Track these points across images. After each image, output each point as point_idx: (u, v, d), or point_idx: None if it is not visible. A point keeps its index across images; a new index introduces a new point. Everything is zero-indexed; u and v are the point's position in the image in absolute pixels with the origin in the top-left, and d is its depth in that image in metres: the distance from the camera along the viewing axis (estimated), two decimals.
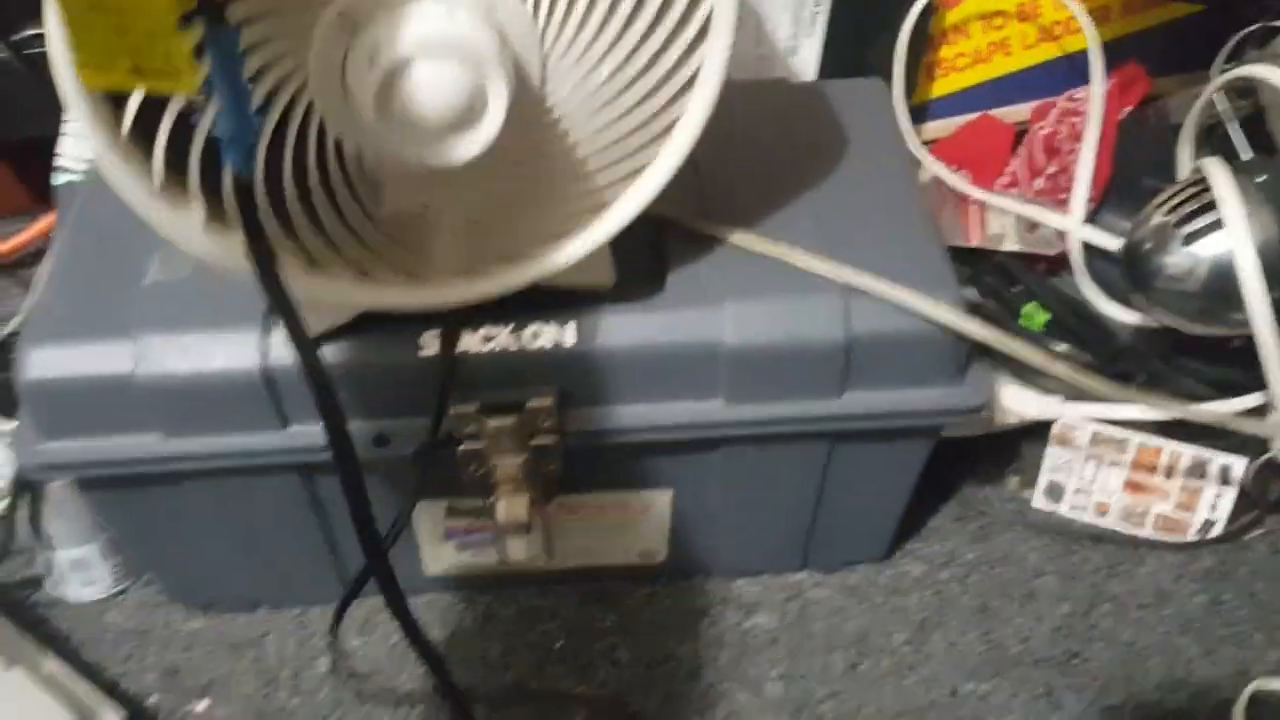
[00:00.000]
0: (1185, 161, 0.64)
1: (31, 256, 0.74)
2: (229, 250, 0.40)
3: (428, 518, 0.55)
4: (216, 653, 0.58)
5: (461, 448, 0.49)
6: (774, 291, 0.47)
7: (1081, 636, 0.57)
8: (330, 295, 0.43)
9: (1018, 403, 0.59)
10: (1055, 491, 0.61)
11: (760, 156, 0.54)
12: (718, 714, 0.55)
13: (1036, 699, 0.55)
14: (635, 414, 0.49)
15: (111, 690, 0.55)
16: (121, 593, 0.60)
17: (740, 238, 0.49)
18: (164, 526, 0.54)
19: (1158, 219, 0.53)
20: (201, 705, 0.56)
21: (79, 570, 0.58)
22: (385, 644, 0.58)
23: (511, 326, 0.47)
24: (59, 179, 0.67)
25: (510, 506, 0.50)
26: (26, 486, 0.55)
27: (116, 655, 0.58)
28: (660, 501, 0.55)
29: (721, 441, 0.51)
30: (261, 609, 0.60)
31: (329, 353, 0.46)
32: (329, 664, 0.57)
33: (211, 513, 0.52)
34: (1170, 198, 0.54)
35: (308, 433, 0.48)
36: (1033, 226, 0.69)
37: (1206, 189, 0.52)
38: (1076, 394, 0.61)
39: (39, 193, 0.75)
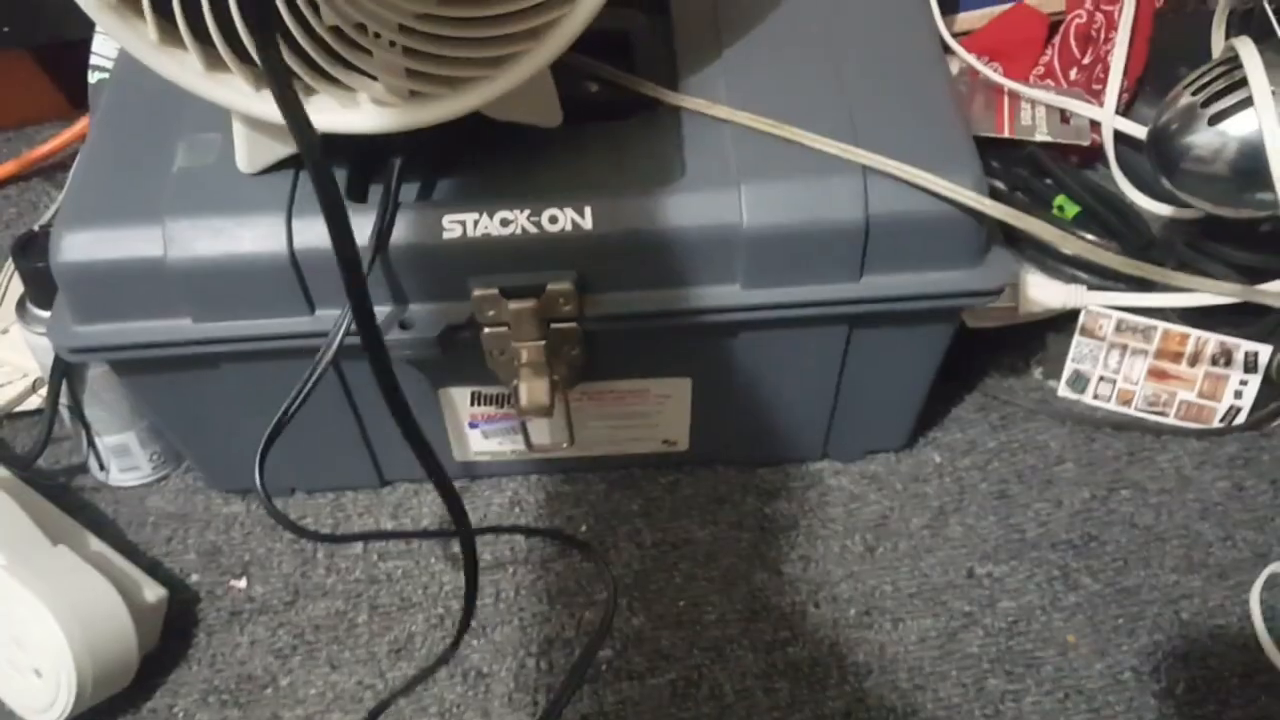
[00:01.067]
0: (1219, 45, 0.63)
1: (69, 159, 0.75)
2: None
3: (454, 405, 0.56)
4: (254, 534, 0.60)
5: (485, 332, 0.50)
6: (792, 173, 0.47)
7: (1100, 521, 0.58)
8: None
9: (1042, 293, 0.59)
10: (1079, 381, 0.61)
11: (786, 40, 0.53)
12: (737, 592, 0.57)
13: (1052, 580, 0.56)
14: (653, 298, 0.49)
15: (153, 570, 0.57)
16: (162, 479, 0.63)
17: (759, 121, 0.49)
18: (198, 411, 0.55)
19: (1185, 100, 0.52)
20: (240, 583, 0.58)
21: (119, 457, 0.61)
22: (416, 528, 0.60)
23: (528, 211, 0.47)
24: (94, 77, 0.68)
25: (531, 390, 0.51)
26: (66, 374, 0.56)
27: (158, 538, 0.60)
28: (680, 390, 0.56)
29: (740, 327, 0.52)
30: (298, 494, 0.62)
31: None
32: (362, 545, 0.60)
33: (244, 397, 0.54)
34: (1198, 78, 0.53)
35: (334, 317, 0.49)
36: (1065, 118, 0.68)
37: (1236, 68, 0.51)
38: (1101, 284, 0.61)
39: (75, 97, 0.76)
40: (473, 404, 0.56)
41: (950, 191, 0.46)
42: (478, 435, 0.59)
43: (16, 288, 0.57)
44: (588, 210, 0.47)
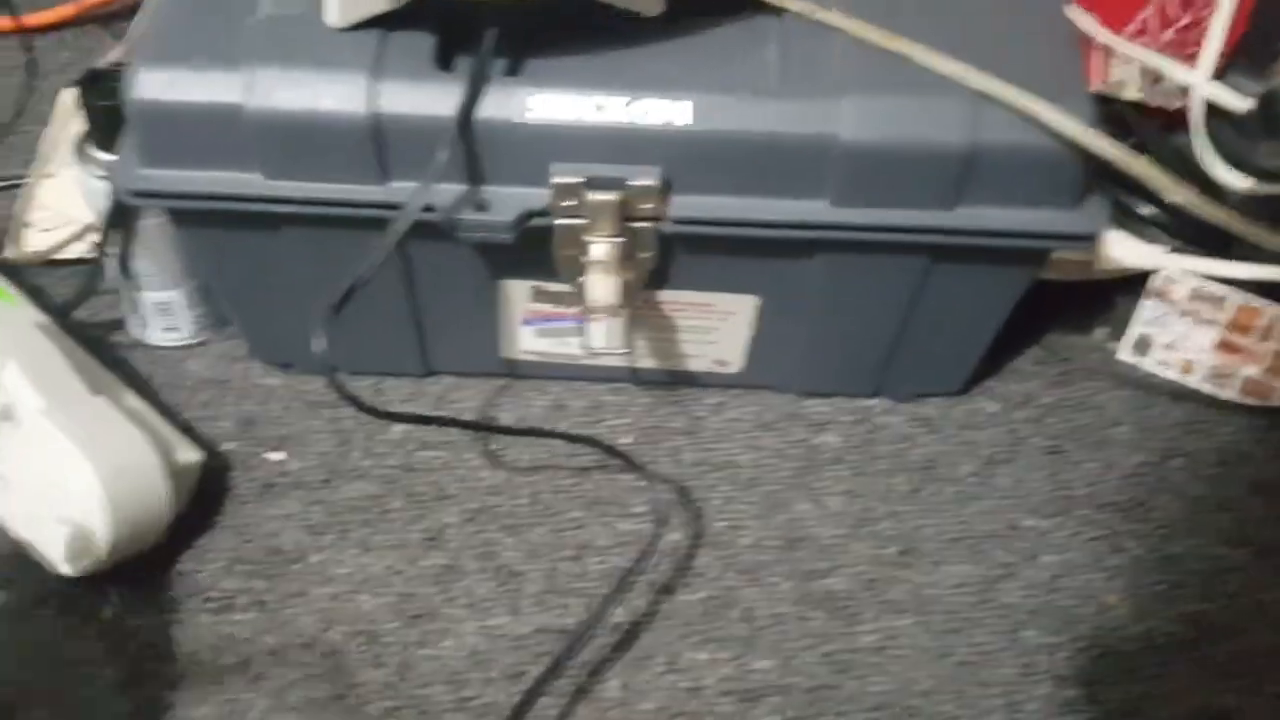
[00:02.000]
0: None
1: (125, 9, 0.73)
2: None
3: (512, 298, 0.55)
4: (293, 409, 0.59)
5: (559, 222, 0.49)
6: (899, 89, 0.46)
7: (1151, 486, 0.57)
8: None
9: (1122, 250, 0.57)
10: (1143, 345, 0.60)
11: None
12: (776, 518, 0.56)
13: (1097, 540, 0.56)
14: (737, 206, 0.48)
15: (187, 433, 0.56)
16: (202, 344, 0.61)
17: (869, 30, 0.47)
18: (253, 274, 0.54)
19: None
20: (276, 455, 0.57)
21: (162, 315, 0.59)
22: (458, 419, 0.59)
23: (625, 99, 0.46)
24: None
25: (600, 287, 0.49)
26: (120, 222, 0.55)
27: (194, 401, 0.59)
28: (744, 308, 0.55)
29: (820, 246, 0.50)
30: (340, 374, 0.60)
31: (436, 104, 0.45)
32: (402, 432, 0.58)
33: (303, 266, 0.52)
34: None
35: (408, 190, 0.47)
36: (1157, 78, 0.66)
37: None
38: (1180, 248, 0.59)
39: None
40: (531, 299, 0.55)
41: (1062, 125, 0.44)
42: (530, 333, 0.57)
43: (67, 132, 0.55)
44: (686, 105, 0.45)
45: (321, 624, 0.52)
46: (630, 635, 0.52)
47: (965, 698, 0.51)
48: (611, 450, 0.56)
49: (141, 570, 0.53)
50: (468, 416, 0.59)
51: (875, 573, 0.55)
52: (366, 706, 0.49)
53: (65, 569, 0.50)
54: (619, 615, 0.53)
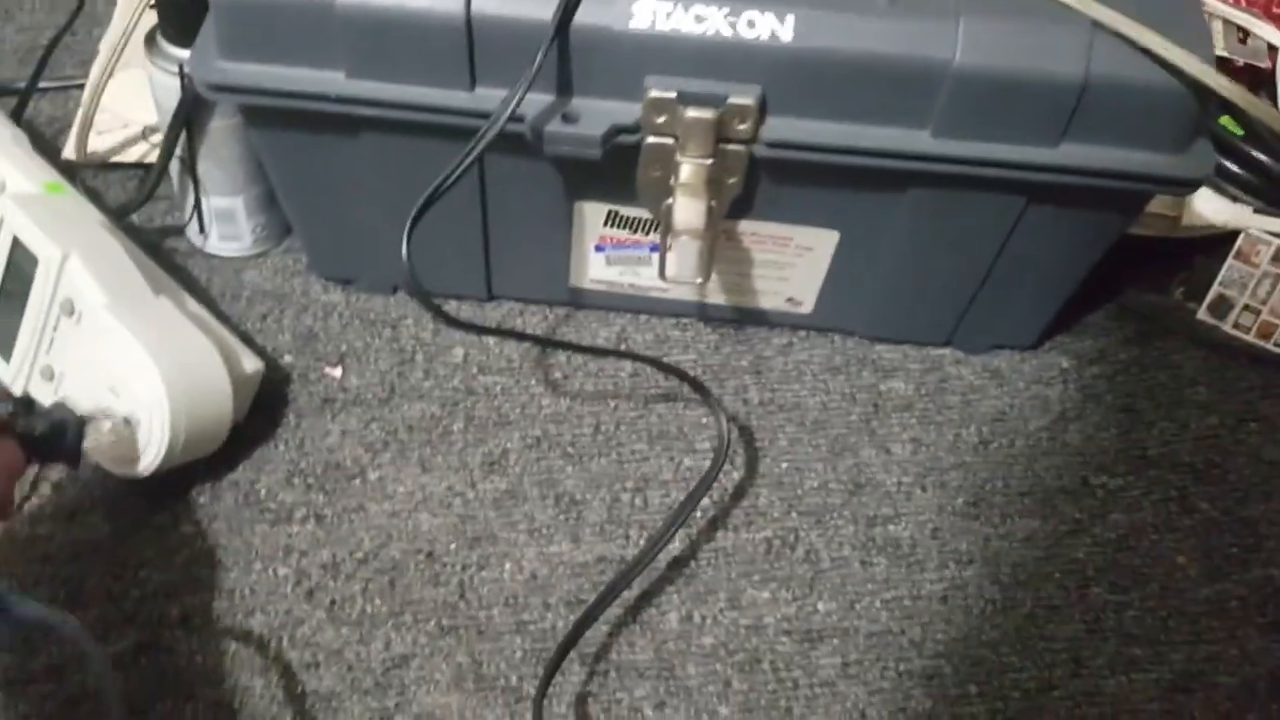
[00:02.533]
0: None
1: None
2: None
3: (584, 222, 0.54)
4: (352, 326, 0.58)
5: (649, 140, 0.47)
6: (1015, 14, 0.44)
7: (1225, 449, 0.56)
8: None
9: (1209, 208, 0.56)
10: (1222, 307, 0.59)
11: None
12: (841, 463, 0.55)
13: (1168, 501, 0.54)
14: (834, 132, 0.46)
15: (246, 343, 0.55)
16: (261, 255, 0.60)
17: None
18: (324, 181, 0.52)
19: None
20: (335, 371, 0.56)
21: (223, 222, 0.58)
22: (519, 347, 0.58)
23: (726, 10, 0.44)
24: None
25: (686, 211, 0.48)
26: (187, 122, 0.53)
27: (252, 313, 0.58)
28: (825, 243, 0.53)
29: (915, 179, 0.49)
30: (400, 294, 0.59)
31: (534, 7, 0.44)
32: (463, 355, 0.57)
33: (377, 175, 0.51)
34: None
35: (494, 97, 0.46)
36: (1244, 37, 0.65)
37: None
38: (1266, 210, 0.58)
39: None
40: (606, 224, 0.54)
41: (1183, 61, 0.43)
42: (600, 260, 0.56)
43: (132, 31, 0.54)
44: (790, 19, 0.44)
45: (380, 540, 0.51)
46: (692, 570, 0.51)
47: (1030, 651, 0.50)
48: (680, 373, 0.55)
49: (197, 477, 0.52)
50: (526, 345, 0.58)
51: (941, 522, 0.54)
52: (425, 624, 0.48)
53: (123, 469, 0.49)
54: (680, 549, 0.52)
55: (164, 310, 0.50)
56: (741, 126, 0.46)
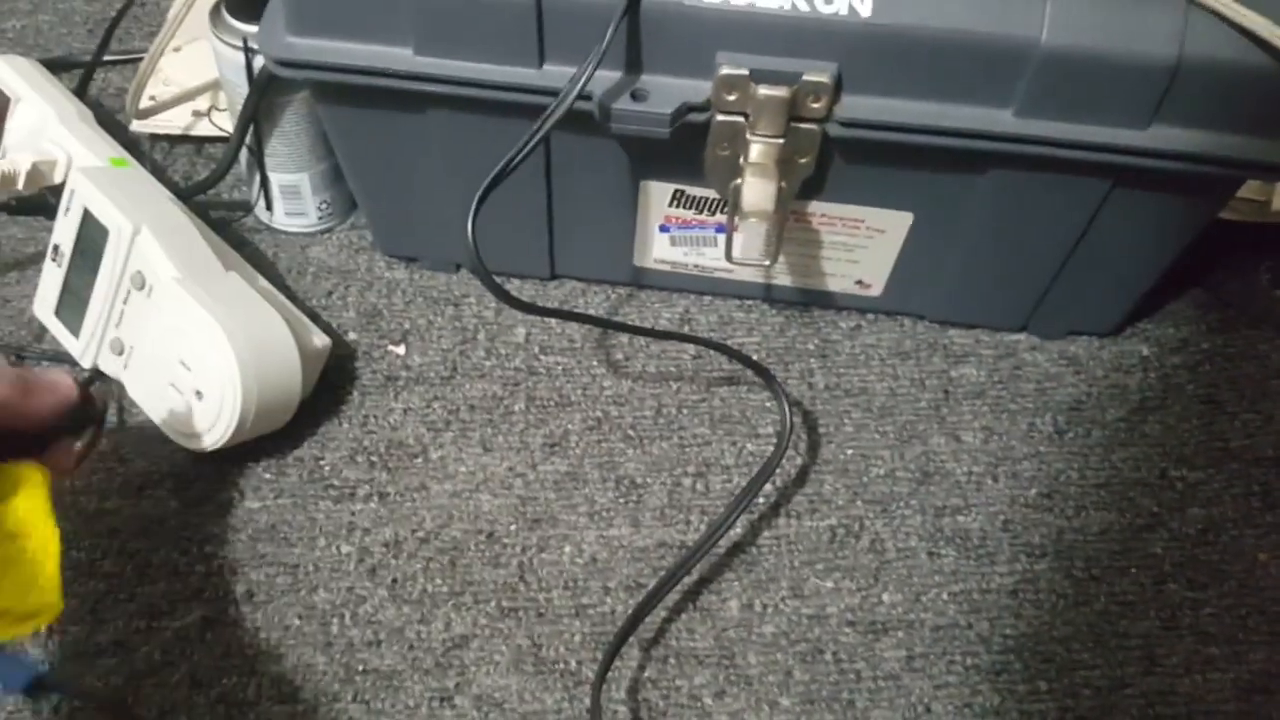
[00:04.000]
0: None
1: None
2: None
3: (649, 201, 0.53)
4: (416, 303, 0.58)
5: (719, 118, 0.46)
6: None
7: None
8: None
9: None
10: None
11: None
12: (909, 450, 0.54)
13: (1250, 495, 0.53)
14: (912, 111, 0.45)
15: (312, 320, 0.55)
16: (326, 231, 0.60)
17: None
18: (391, 157, 0.52)
19: None
20: (399, 349, 0.56)
21: (289, 199, 0.58)
22: (581, 327, 0.57)
23: None
24: None
25: (755, 191, 0.47)
26: (254, 97, 0.53)
27: (318, 289, 0.58)
28: (898, 225, 0.52)
29: (996, 161, 0.47)
30: (463, 272, 0.59)
31: None
32: (525, 334, 0.57)
33: (444, 151, 0.51)
34: None
35: (562, 74, 0.45)
36: None
37: None
38: None
39: None
40: (671, 203, 0.53)
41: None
42: (665, 240, 0.55)
43: (197, 4, 0.53)
44: None
45: (441, 520, 0.51)
46: (753, 557, 0.51)
47: (1102, 647, 0.48)
48: (743, 357, 0.54)
49: (263, 453, 0.52)
50: (587, 328, 0.57)
51: (1012, 514, 0.52)
52: (485, 605, 0.48)
53: (192, 443, 0.49)
54: (741, 536, 0.51)
55: (234, 284, 0.50)
56: (815, 105, 0.45)
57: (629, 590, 0.49)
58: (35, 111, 0.56)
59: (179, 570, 0.49)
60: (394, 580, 0.49)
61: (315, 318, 0.56)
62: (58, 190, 0.53)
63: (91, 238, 0.50)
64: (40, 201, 0.58)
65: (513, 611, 0.48)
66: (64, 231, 0.51)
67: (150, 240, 0.49)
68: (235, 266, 0.52)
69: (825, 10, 0.43)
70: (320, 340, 0.52)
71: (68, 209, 0.51)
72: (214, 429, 0.48)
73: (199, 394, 0.48)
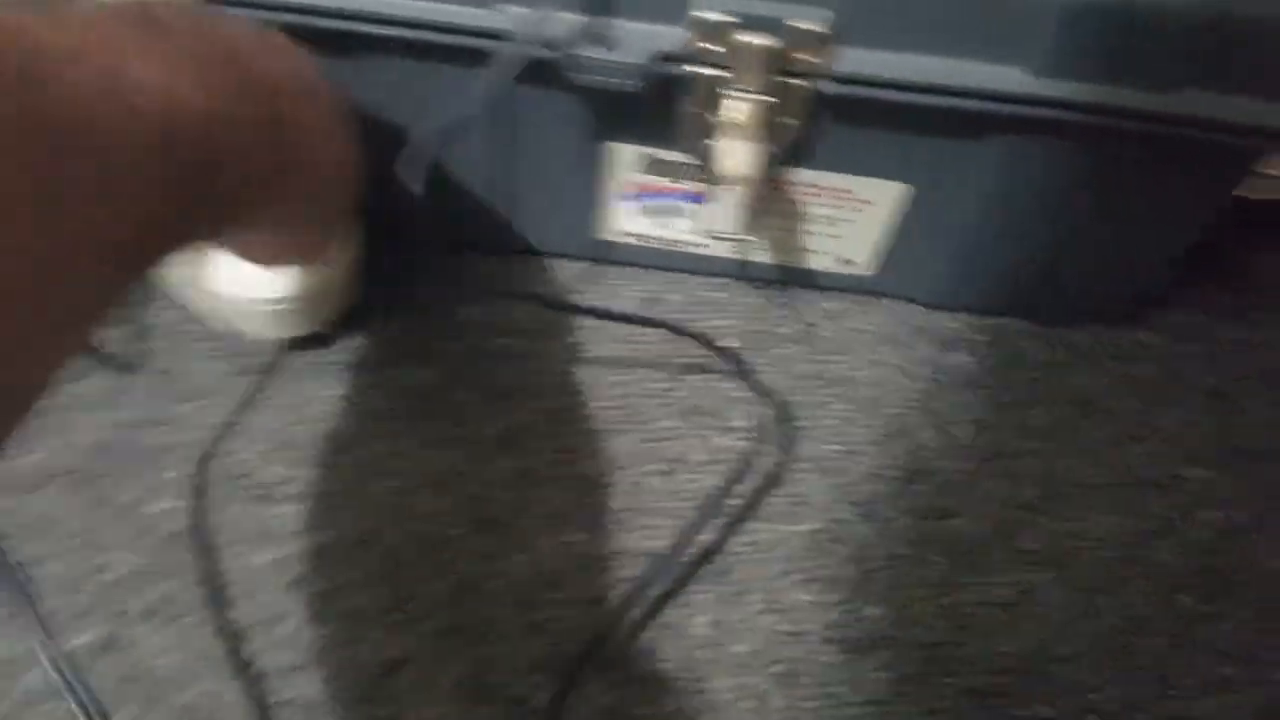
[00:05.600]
0: None
1: None
2: None
3: (615, 165, 0.47)
4: None
5: (695, 71, 0.40)
6: None
7: None
8: None
9: None
10: None
11: None
12: (897, 446, 0.49)
13: (1268, 498, 0.48)
14: (919, 66, 0.39)
15: None
16: None
17: None
18: None
19: None
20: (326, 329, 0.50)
21: None
22: (533, 308, 0.51)
23: None
24: None
25: (734, 156, 0.41)
26: None
27: None
28: (888, 197, 0.47)
29: (1007, 126, 0.42)
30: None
31: None
32: (472, 314, 0.51)
33: (379, 103, 0.44)
34: None
35: (519, 16, 0.39)
36: None
37: None
38: None
39: None
40: (639, 168, 0.47)
41: None
42: (633, 210, 0.49)
43: None
44: None
45: (374, 523, 0.45)
46: (724, 566, 0.45)
47: (1110, 667, 0.44)
48: (718, 348, 0.49)
49: (171, 449, 0.46)
50: (537, 293, 0.51)
51: (1008, 516, 0.47)
52: (422, 623, 0.43)
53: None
54: (711, 542, 0.46)
55: None
56: (806, 58, 0.39)
57: (587, 604, 0.44)
58: None
59: (73, 581, 0.43)
60: (322, 592, 0.43)
61: None
62: None
63: None
64: None
65: (454, 630, 0.43)
66: None
67: None
68: None
69: None
70: None
71: None
72: None
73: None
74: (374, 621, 0.43)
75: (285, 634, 0.42)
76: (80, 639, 0.41)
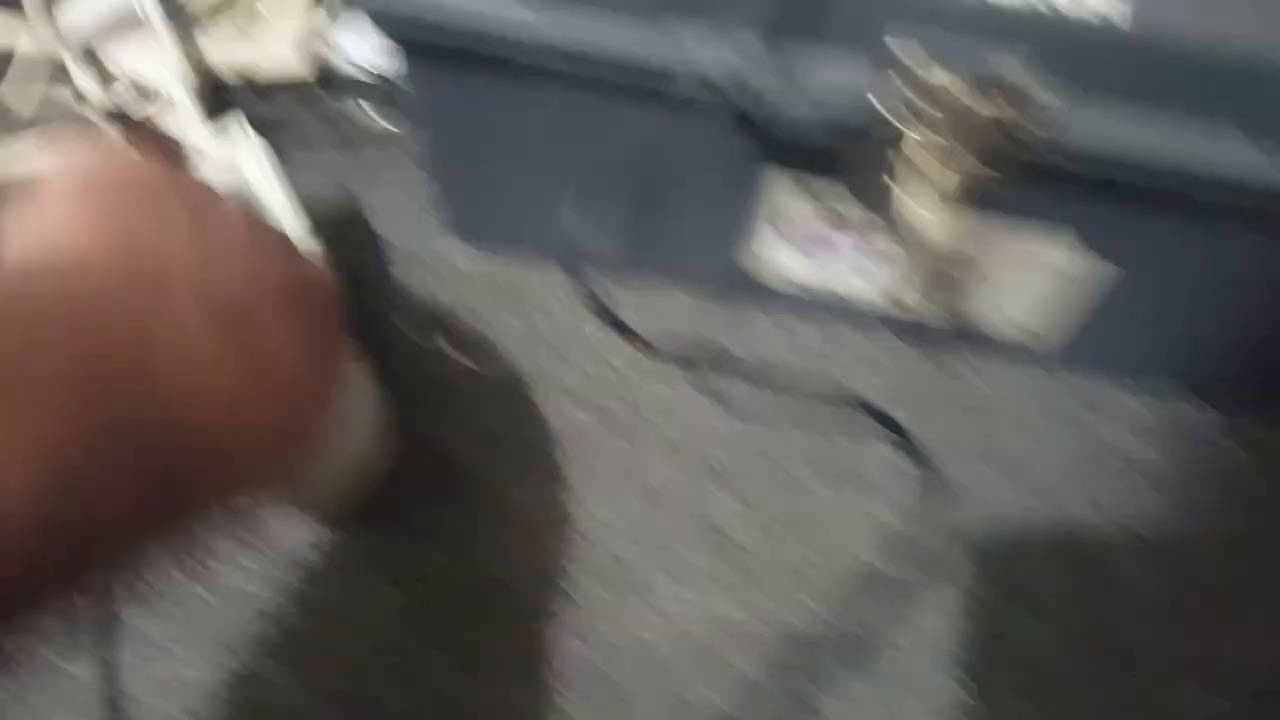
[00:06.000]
0: None
1: None
2: None
3: (774, 196, 0.43)
4: (490, 301, 0.49)
5: (904, 131, 0.36)
6: None
7: None
8: None
9: None
10: None
11: None
12: (1070, 547, 0.45)
13: None
14: (1159, 145, 0.35)
15: None
16: None
17: None
18: (491, 131, 0.43)
19: None
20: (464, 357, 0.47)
21: None
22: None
23: None
24: None
25: (929, 218, 0.37)
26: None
27: None
28: (1088, 270, 0.42)
29: (1242, 212, 0.37)
30: (550, 267, 0.50)
31: None
32: (624, 354, 0.48)
33: (547, 130, 0.41)
34: None
35: (709, 57, 0.35)
36: None
37: None
38: None
39: None
40: (801, 204, 0.43)
41: None
42: (790, 252, 0.45)
43: None
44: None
45: (504, 569, 0.43)
46: (877, 653, 0.42)
47: None
48: (885, 417, 0.45)
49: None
50: (683, 339, 0.48)
51: (1194, 633, 0.43)
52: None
53: None
54: (858, 625, 0.43)
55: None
56: (1032, 128, 0.35)
57: (721, 674, 0.41)
58: None
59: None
60: (435, 639, 0.41)
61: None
62: None
63: None
64: None
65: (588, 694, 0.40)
66: None
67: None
68: None
69: (1075, 14, 0.33)
70: None
71: None
72: None
73: None
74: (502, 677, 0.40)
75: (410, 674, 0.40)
76: None
